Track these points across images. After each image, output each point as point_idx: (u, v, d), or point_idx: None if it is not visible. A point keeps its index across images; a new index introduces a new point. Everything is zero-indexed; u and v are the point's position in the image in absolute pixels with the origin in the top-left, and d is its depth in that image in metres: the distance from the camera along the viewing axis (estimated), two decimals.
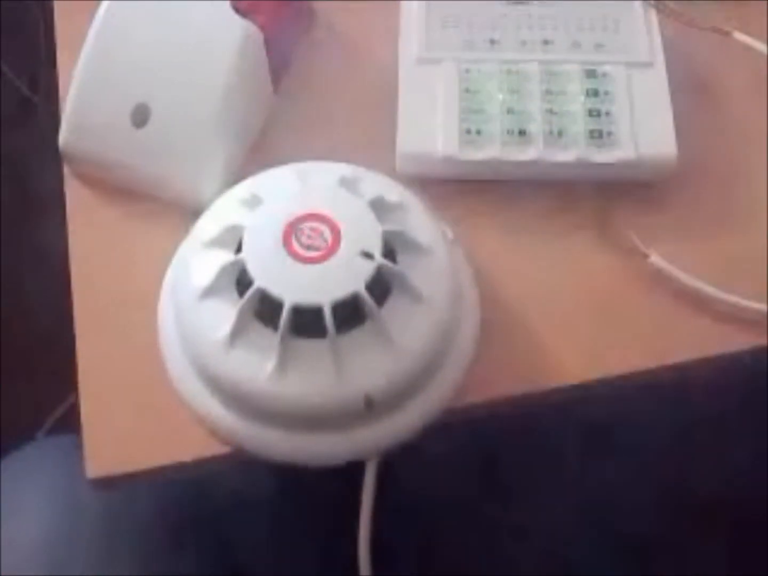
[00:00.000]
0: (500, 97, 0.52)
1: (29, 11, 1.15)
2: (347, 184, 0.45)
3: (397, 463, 0.45)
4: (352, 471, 0.45)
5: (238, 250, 0.44)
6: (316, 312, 0.42)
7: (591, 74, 0.53)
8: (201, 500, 0.59)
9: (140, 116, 0.50)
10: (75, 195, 0.53)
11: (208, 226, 0.46)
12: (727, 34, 0.55)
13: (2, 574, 0.53)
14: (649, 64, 0.53)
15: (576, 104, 0.51)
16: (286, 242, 0.43)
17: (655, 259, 0.49)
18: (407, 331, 0.43)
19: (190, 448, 0.46)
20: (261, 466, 0.46)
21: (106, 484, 0.45)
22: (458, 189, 0.51)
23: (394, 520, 0.53)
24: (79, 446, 0.46)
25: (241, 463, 0.47)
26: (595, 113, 0.51)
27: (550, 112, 0.51)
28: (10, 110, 1.18)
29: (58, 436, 0.75)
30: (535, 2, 0.55)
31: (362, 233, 0.43)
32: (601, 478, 0.78)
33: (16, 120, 1.18)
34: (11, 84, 1.18)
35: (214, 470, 0.49)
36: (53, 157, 0.54)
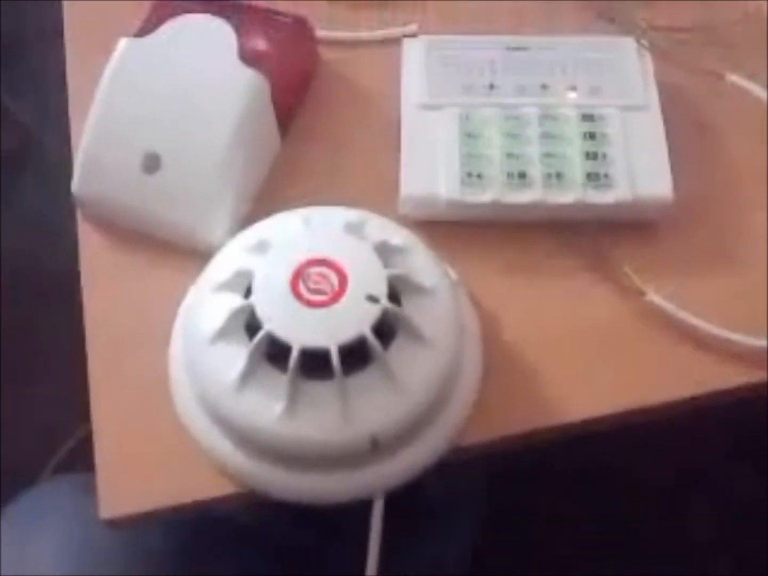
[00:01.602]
0: (500, 141, 0.53)
1: (38, 51, 1.17)
2: (352, 228, 0.46)
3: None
4: (359, 509, 0.46)
5: (248, 294, 0.45)
6: (323, 354, 0.43)
7: (588, 117, 0.54)
8: (211, 537, 0.60)
9: (151, 163, 0.52)
10: (87, 239, 0.54)
11: (217, 270, 0.47)
12: (721, 76, 0.57)
13: None
14: (644, 107, 0.55)
15: (573, 147, 0.53)
16: (294, 287, 0.44)
17: (652, 296, 0.51)
18: (412, 372, 0.44)
19: (201, 487, 0.47)
20: (271, 504, 0.47)
21: (120, 523, 0.46)
22: (461, 231, 0.52)
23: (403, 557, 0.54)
24: (87, 484, 0.47)
25: (250, 503, 0.48)
26: (592, 155, 0.53)
27: (549, 155, 0.53)
28: (18, 147, 1.19)
29: (67, 475, 0.76)
30: (533, 48, 0.56)
31: (368, 277, 0.44)
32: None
33: (22, 157, 1.19)
34: (18, 122, 1.20)
35: (223, 508, 0.49)
36: (62, 195, 0.55)
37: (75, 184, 0.54)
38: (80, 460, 0.50)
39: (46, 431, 0.96)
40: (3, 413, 0.98)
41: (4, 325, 1.04)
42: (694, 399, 0.49)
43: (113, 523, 0.46)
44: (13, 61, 1.20)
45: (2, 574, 0.55)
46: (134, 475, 0.47)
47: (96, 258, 0.53)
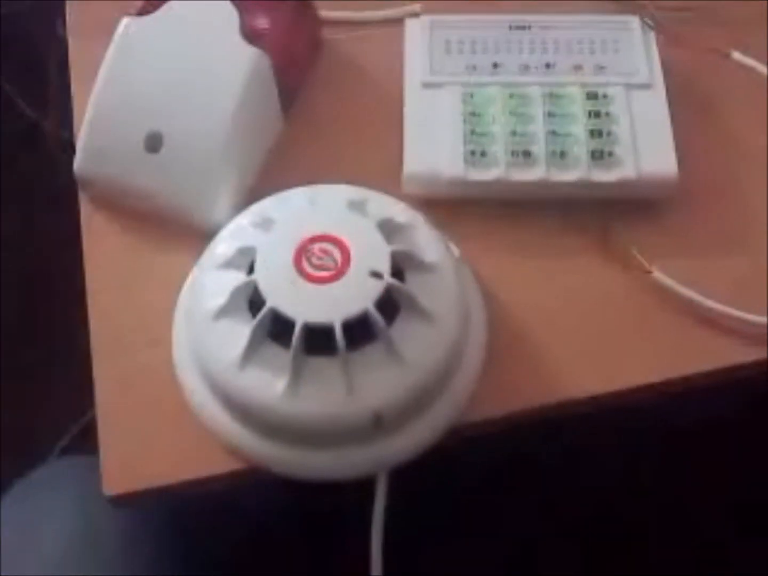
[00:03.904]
0: (504, 119, 0.53)
1: (36, 36, 1.17)
2: (355, 205, 0.46)
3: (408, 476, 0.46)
4: (362, 487, 0.46)
5: (251, 271, 0.45)
6: (327, 330, 0.43)
7: (592, 96, 0.54)
8: (215, 519, 0.60)
9: (153, 142, 0.52)
10: (90, 219, 0.54)
11: (220, 248, 0.47)
12: (727, 54, 0.57)
13: None
14: (648, 85, 0.55)
15: (578, 125, 0.53)
16: (297, 263, 0.44)
17: (658, 274, 0.51)
18: (416, 348, 0.44)
19: (205, 465, 0.47)
20: (273, 484, 0.47)
21: (124, 501, 0.46)
22: (464, 209, 0.52)
23: (405, 535, 0.54)
24: (94, 466, 0.47)
25: (254, 480, 0.48)
26: (596, 134, 0.52)
27: (553, 133, 0.52)
28: (18, 135, 1.19)
29: (71, 456, 0.76)
30: (537, 27, 0.56)
31: (371, 253, 0.44)
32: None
33: (23, 144, 1.19)
34: (19, 109, 1.20)
35: (226, 490, 0.49)
36: (62, 181, 0.55)
37: (77, 165, 0.54)
38: (88, 442, 0.50)
39: (55, 414, 0.97)
40: (12, 396, 0.98)
41: (9, 310, 1.04)
42: (698, 376, 0.49)
43: (117, 500, 0.46)
44: (14, 48, 1.19)
45: (10, 550, 0.55)
46: (138, 453, 0.47)
47: (99, 238, 0.53)
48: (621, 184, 0.52)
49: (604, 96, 0.54)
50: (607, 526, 0.80)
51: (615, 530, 0.80)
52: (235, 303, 0.45)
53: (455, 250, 0.50)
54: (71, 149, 0.54)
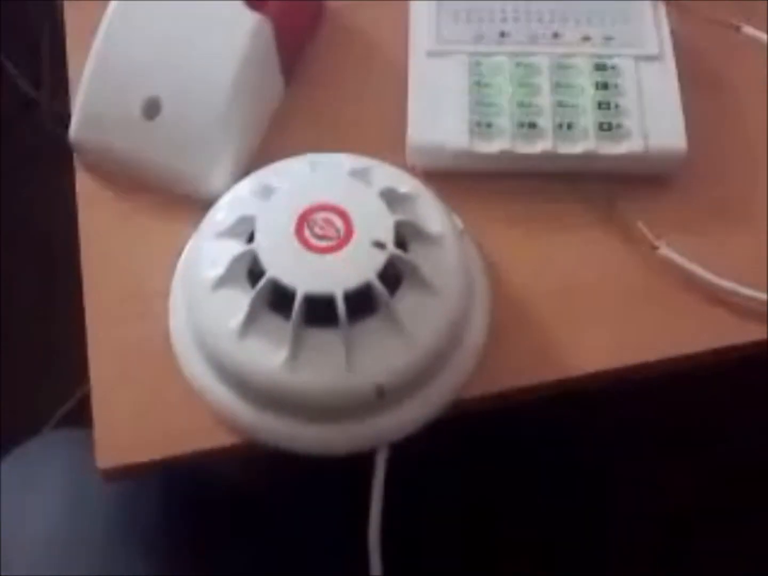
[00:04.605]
0: (510, 90, 0.52)
1: (32, 9, 1.15)
2: (358, 175, 0.45)
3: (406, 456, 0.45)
4: (361, 462, 0.45)
5: (250, 240, 0.44)
6: (328, 301, 0.42)
7: (600, 67, 0.53)
8: (207, 497, 0.59)
9: (151, 108, 0.50)
10: (85, 188, 0.53)
11: (219, 216, 0.46)
12: (737, 28, 0.55)
13: (7, 572, 0.53)
14: (658, 57, 0.53)
15: (585, 97, 0.52)
16: (299, 232, 0.43)
17: (664, 250, 0.50)
18: (418, 320, 0.43)
19: (201, 438, 0.46)
20: (268, 461, 0.46)
21: (116, 474, 0.46)
22: (468, 181, 0.51)
23: (404, 513, 0.53)
24: (88, 438, 0.46)
25: (250, 456, 0.47)
26: (604, 106, 0.51)
27: (560, 104, 0.51)
28: (13, 108, 1.18)
29: (64, 429, 0.75)
30: None
31: (374, 223, 0.43)
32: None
33: (18, 118, 1.18)
34: (14, 82, 1.19)
35: (220, 466, 0.49)
36: (57, 154, 0.54)
37: (73, 131, 0.52)
38: (83, 416, 0.49)
39: (54, 386, 0.96)
40: (9, 368, 0.98)
41: (5, 282, 1.03)
42: (704, 354, 0.48)
43: (109, 474, 0.45)
44: (6, 19, 1.18)
45: (3, 519, 0.55)
46: (132, 425, 0.46)
47: (94, 207, 0.52)
48: (628, 158, 0.51)
49: (613, 67, 0.53)
50: (605, 520, 0.79)
51: (613, 525, 0.80)
52: (234, 273, 0.44)
53: (459, 222, 0.49)
54: (66, 119, 0.53)
